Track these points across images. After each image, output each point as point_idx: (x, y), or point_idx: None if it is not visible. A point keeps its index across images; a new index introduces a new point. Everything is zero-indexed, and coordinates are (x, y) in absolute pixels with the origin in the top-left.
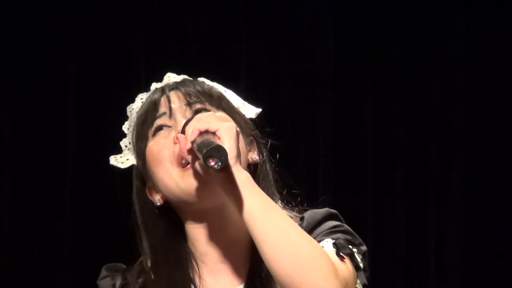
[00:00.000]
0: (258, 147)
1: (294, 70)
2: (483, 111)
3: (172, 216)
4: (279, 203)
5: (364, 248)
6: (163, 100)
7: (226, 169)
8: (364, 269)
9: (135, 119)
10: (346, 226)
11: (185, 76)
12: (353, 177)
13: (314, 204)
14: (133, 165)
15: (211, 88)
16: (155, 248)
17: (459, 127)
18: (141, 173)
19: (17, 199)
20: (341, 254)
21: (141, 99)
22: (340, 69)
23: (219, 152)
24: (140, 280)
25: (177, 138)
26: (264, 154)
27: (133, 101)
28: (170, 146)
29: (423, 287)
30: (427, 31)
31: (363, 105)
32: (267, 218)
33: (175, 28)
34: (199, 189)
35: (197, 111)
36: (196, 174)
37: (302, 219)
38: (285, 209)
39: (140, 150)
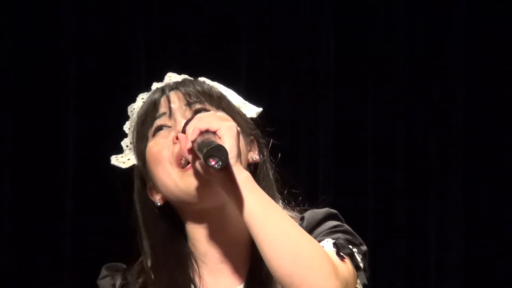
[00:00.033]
0: (258, 147)
1: (294, 70)
2: (483, 111)
3: (173, 216)
4: (280, 203)
5: (364, 248)
6: (163, 100)
7: (226, 168)
8: (364, 269)
9: (136, 119)
10: (346, 226)
11: (186, 76)
12: (353, 177)
13: (314, 204)
14: (134, 165)
15: (211, 88)
16: (155, 248)
17: (459, 127)
18: (141, 173)
19: (17, 199)
20: (341, 254)
21: (142, 99)
22: (340, 69)
23: (220, 152)
24: (140, 280)
25: (177, 138)
26: (265, 153)
27: (133, 101)
28: (170, 146)
29: (423, 287)
30: (427, 31)
31: (363, 105)
32: (267, 217)
33: (175, 28)
34: (199, 189)
35: (196, 111)
36: (196, 174)
37: (302, 219)
38: (286, 209)
39: (140, 150)
